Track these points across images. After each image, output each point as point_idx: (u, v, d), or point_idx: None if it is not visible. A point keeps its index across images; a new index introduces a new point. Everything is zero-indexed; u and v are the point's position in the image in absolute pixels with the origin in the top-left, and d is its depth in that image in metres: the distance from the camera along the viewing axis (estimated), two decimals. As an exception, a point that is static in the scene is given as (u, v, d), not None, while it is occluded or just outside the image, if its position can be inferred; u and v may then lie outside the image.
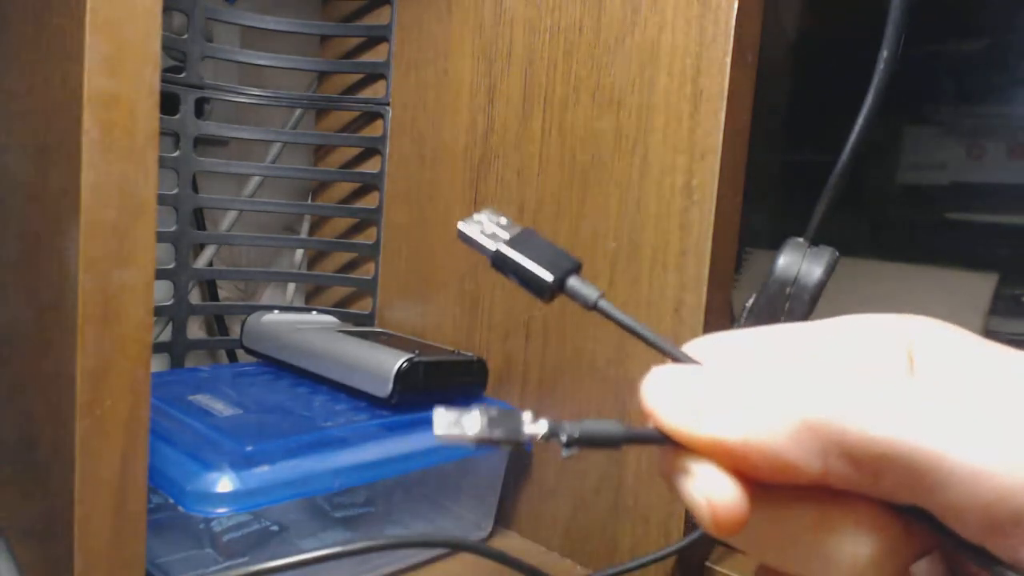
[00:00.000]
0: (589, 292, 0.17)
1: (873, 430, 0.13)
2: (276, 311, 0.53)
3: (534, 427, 0.16)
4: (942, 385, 0.14)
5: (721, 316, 0.39)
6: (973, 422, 0.12)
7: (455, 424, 0.16)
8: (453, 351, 0.47)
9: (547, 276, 0.17)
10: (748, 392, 0.15)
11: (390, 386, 0.41)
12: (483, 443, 0.16)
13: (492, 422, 0.16)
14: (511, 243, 0.18)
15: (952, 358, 0.15)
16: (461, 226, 0.19)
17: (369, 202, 0.59)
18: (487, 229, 0.19)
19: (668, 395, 0.16)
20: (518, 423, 0.16)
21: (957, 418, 0.13)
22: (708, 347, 0.18)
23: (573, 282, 0.18)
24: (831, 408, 0.13)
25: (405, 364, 0.41)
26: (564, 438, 0.16)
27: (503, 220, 0.19)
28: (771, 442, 0.14)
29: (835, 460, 0.13)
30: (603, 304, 0.17)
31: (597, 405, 0.42)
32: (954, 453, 0.12)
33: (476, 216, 0.19)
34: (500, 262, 0.19)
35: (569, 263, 0.18)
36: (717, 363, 0.17)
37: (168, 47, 0.51)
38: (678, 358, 0.17)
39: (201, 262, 0.58)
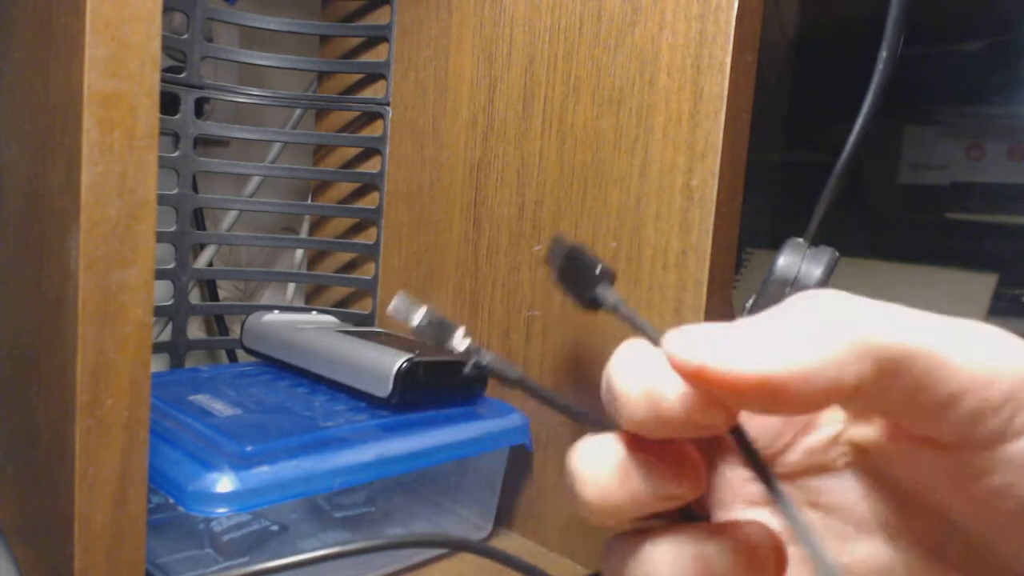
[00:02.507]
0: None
1: (900, 339, 0.16)
2: (276, 311, 0.53)
3: (459, 343, 0.22)
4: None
5: (721, 316, 0.39)
6: (965, 332, 0.17)
7: (405, 311, 0.22)
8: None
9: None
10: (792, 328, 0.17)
11: (390, 386, 0.41)
12: (415, 335, 0.22)
13: (431, 325, 0.22)
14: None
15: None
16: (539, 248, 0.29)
17: (369, 202, 0.59)
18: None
19: (708, 343, 0.17)
20: (451, 335, 0.22)
21: (956, 330, 0.17)
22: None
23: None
24: (868, 326, 0.17)
25: (405, 364, 0.41)
26: (475, 362, 0.21)
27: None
28: (829, 368, 0.16)
29: (869, 371, 0.16)
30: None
31: (598, 405, 0.42)
32: (956, 350, 0.16)
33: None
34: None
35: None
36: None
37: (168, 47, 0.51)
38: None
39: (201, 262, 0.58)
